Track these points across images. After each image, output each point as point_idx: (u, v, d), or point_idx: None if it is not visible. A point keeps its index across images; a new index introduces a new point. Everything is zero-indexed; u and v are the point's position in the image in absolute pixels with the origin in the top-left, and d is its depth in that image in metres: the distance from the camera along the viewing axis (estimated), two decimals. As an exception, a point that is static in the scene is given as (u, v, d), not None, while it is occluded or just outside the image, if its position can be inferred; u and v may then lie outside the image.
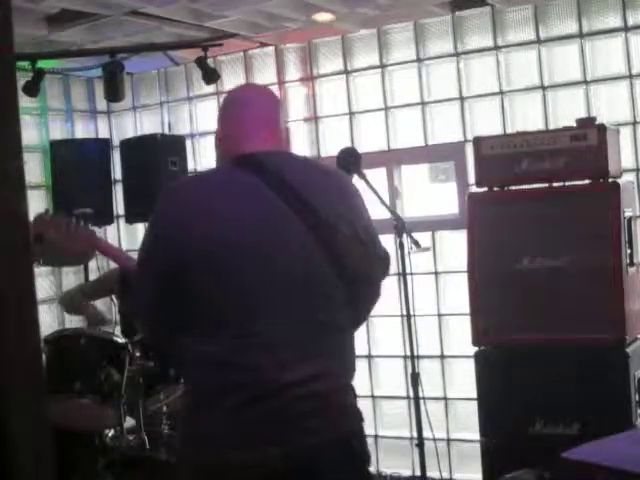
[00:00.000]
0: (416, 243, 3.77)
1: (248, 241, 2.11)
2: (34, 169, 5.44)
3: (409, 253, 3.80)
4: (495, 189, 4.08)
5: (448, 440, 4.92)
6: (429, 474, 4.21)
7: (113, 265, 4.84)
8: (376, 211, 3.99)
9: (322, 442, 2.09)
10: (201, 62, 4.91)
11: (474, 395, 4.12)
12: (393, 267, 4.77)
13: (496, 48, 4.78)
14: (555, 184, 3.94)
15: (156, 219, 2.24)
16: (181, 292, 2.13)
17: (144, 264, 2.23)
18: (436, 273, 4.99)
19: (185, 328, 2.16)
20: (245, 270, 2.10)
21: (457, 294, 4.68)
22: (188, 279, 2.12)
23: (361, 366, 4.72)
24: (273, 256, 2.11)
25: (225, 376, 2.09)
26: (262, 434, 2.07)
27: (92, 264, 5.54)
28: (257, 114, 2.28)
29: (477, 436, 4.09)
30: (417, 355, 4.00)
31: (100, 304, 4.56)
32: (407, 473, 5.00)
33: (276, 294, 2.11)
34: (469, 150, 4.57)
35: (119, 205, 5.65)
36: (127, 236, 5.99)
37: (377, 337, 5.20)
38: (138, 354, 3.66)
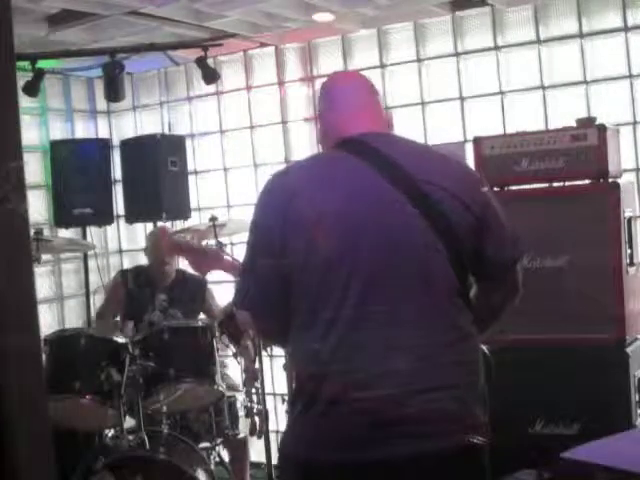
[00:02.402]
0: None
1: (354, 223, 2.00)
2: (34, 169, 5.44)
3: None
4: (495, 189, 4.07)
5: (448, 440, 4.91)
6: (429, 474, 4.20)
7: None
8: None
9: (424, 451, 1.93)
10: (201, 62, 4.91)
11: (474, 395, 4.11)
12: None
13: (496, 48, 4.78)
14: (555, 184, 3.94)
15: (259, 214, 2.13)
16: (292, 283, 2.04)
17: (252, 262, 2.12)
18: (436, 273, 4.98)
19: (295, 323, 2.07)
20: (353, 253, 1.99)
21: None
22: (296, 268, 2.02)
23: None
24: (381, 237, 1.99)
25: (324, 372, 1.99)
26: (347, 437, 1.96)
27: (92, 264, 5.55)
28: (356, 97, 2.20)
29: (477, 436, 4.09)
30: (417, 355, 4.00)
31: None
32: (407, 473, 4.99)
33: (384, 277, 1.99)
34: (469, 150, 4.57)
35: (119, 205, 5.65)
36: (127, 236, 6.00)
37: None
38: (138, 354, 3.66)
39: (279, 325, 2.12)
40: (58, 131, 5.72)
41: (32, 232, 4.06)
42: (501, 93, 4.79)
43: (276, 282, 2.06)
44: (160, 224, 5.15)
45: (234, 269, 2.66)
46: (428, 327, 2.01)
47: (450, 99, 4.94)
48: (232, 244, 4.63)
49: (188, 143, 5.52)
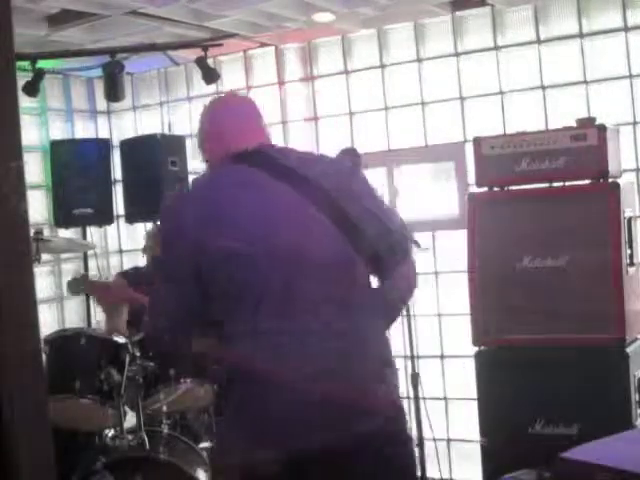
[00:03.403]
0: (416, 243, 3.76)
1: (264, 234, 2.11)
2: (34, 169, 5.44)
3: (409, 253, 3.79)
4: (495, 189, 4.08)
5: (448, 440, 4.92)
6: (429, 474, 4.22)
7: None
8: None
9: (342, 441, 2.04)
10: (201, 62, 4.91)
11: (474, 395, 4.12)
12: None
13: (496, 48, 4.78)
14: (555, 184, 3.94)
15: (169, 234, 2.25)
16: (207, 293, 2.14)
17: (165, 277, 2.24)
18: (436, 273, 4.99)
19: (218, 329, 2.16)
20: (266, 261, 2.09)
21: (457, 294, 4.68)
22: (214, 281, 2.12)
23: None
24: (292, 240, 2.11)
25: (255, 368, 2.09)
26: (286, 429, 2.05)
27: (92, 264, 5.55)
28: (243, 112, 2.35)
29: (477, 436, 4.09)
30: (417, 355, 4.01)
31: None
32: (407, 473, 5.00)
33: (300, 278, 2.10)
34: (469, 150, 4.57)
35: (119, 205, 5.65)
36: (127, 236, 6.00)
37: (377, 337, 5.20)
38: (138, 354, 3.66)
39: (191, 334, 2.28)
40: (58, 131, 5.72)
41: (32, 232, 4.06)
42: (501, 93, 4.79)
43: (194, 294, 2.16)
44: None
45: (141, 298, 2.81)
46: (348, 326, 2.13)
47: (450, 99, 4.94)
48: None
49: (188, 143, 5.52)
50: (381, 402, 2.14)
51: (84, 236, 5.43)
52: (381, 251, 2.22)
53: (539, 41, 4.67)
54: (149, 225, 5.55)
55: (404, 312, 4.20)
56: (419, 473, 4.33)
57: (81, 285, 3.31)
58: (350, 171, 2.36)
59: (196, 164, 5.72)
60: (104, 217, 5.37)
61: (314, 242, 2.13)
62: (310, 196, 2.14)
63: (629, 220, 3.87)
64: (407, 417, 2.26)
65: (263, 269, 2.09)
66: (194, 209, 2.18)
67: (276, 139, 5.76)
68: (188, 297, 2.18)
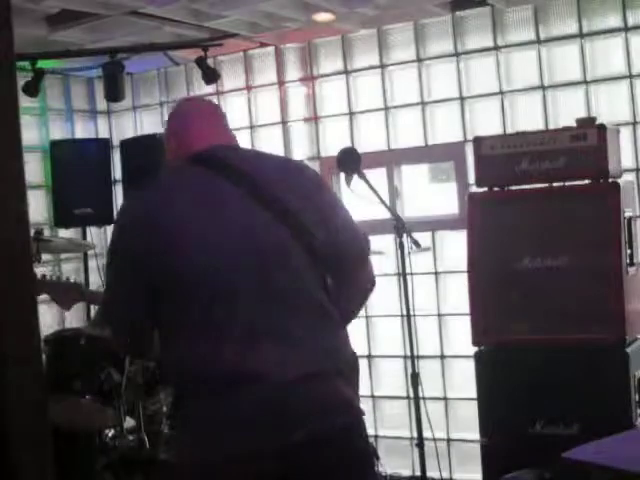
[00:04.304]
0: (416, 243, 3.77)
1: (212, 238, 2.12)
2: (34, 169, 5.44)
3: (409, 253, 3.80)
4: (495, 189, 4.08)
5: (448, 440, 4.92)
6: (429, 474, 4.21)
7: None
8: (376, 211, 4.02)
9: (303, 438, 2.04)
10: (201, 62, 4.91)
11: (474, 395, 4.12)
12: (393, 267, 4.83)
13: (496, 48, 4.78)
14: (555, 184, 3.94)
15: (121, 234, 2.25)
16: (158, 295, 2.15)
17: (119, 274, 2.25)
18: (436, 273, 4.99)
19: (166, 330, 2.18)
20: (218, 260, 2.10)
21: (457, 294, 4.68)
22: (164, 284, 2.14)
23: (361, 366, 4.72)
24: (241, 243, 2.12)
25: (205, 368, 2.10)
26: (234, 433, 2.06)
27: (92, 264, 5.55)
28: (203, 116, 2.38)
29: (477, 436, 4.09)
30: (417, 355, 4.00)
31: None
32: (407, 473, 5.00)
33: (249, 281, 2.10)
34: (469, 150, 4.57)
35: (119, 205, 5.64)
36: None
37: (377, 337, 5.20)
38: (138, 354, 3.66)
39: (142, 338, 2.26)
40: (58, 131, 5.72)
41: (32, 232, 4.05)
42: (501, 93, 4.79)
43: (141, 298, 2.17)
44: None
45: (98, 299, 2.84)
46: (303, 322, 2.14)
47: (450, 99, 4.94)
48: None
49: (188, 143, 5.51)
50: (335, 402, 2.14)
51: (84, 236, 5.43)
52: (334, 253, 2.22)
53: (539, 41, 4.67)
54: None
55: (404, 312, 4.20)
56: (419, 473, 4.33)
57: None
58: (300, 170, 2.36)
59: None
60: (104, 217, 5.36)
61: (261, 242, 2.13)
62: (257, 197, 2.15)
63: (629, 220, 3.87)
64: (362, 420, 2.25)
65: (211, 272, 2.10)
66: (145, 212, 2.19)
67: (276, 139, 5.78)
68: (133, 299, 2.19)
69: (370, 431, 4.90)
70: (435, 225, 4.96)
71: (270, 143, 5.43)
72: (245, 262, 2.11)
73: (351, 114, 5.24)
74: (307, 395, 2.08)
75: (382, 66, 5.12)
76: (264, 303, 2.11)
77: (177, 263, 2.11)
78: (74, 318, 5.56)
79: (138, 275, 2.16)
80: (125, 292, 2.21)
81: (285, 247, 2.15)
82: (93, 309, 5.16)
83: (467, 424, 4.68)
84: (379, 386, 5.19)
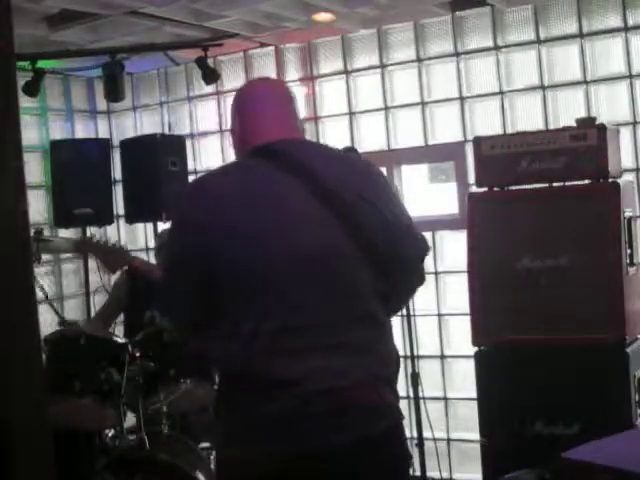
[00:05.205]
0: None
1: (270, 232, 2.07)
2: (34, 169, 5.44)
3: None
4: (495, 189, 4.08)
5: (448, 440, 4.92)
6: (429, 474, 4.22)
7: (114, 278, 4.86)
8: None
9: (343, 442, 2.02)
10: (201, 62, 4.91)
11: (474, 395, 4.12)
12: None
13: (496, 48, 4.78)
14: (555, 184, 3.94)
15: (179, 223, 2.21)
16: (211, 289, 2.11)
17: (172, 270, 2.22)
18: (436, 273, 4.99)
19: (211, 325, 2.14)
20: (271, 260, 2.06)
21: (457, 294, 4.68)
22: (218, 276, 2.09)
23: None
24: (298, 243, 2.07)
25: (242, 372, 2.07)
26: (276, 432, 2.04)
27: (92, 264, 5.54)
28: (270, 105, 2.27)
29: (477, 436, 4.09)
30: (417, 355, 4.01)
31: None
32: (407, 473, 5.00)
33: (301, 282, 2.06)
34: (469, 150, 4.57)
35: (119, 205, 5.65)
36: (127, 236, 5.99)
37: (377, 337, 5.20)
38: (138, 354, 3.66)
39: (192, 329, 2.24)
40: (58, 131, 5.72)
41: (32, 232, 4.06)
42: (501, 93, 4.79)
43: (198, 289, 2.13)
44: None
45: (144, 267, 2.80)
46: (354, 327, 2.10)
47: (450, 99, 4.94)
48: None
49: (188, 143, 5.52)
50: (376, 406, 2.11)
51: (84, 236, 5.43)
52: (394, 255, 2.18)
53: (539, 41, 4.67)
54: (149, 225, 5.55)
55: (404, 312, 4.21)
56: (418, 473, 4.33)
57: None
58: (375, 173, 2.29)
59: (196, 164, 5.72)
60: (104, 217, 5.36)
61: (320, 245, 2.09)
62: (320, 197, 2.09)
63: (629, 220, 3.87)
64: (404, 429, 2.24)
65: (266, 272, 2.06)
66: (202, 207, 2.12)
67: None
68: (189, 292, 2.16)
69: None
70: (435, 225, 4.96)
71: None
72: (296, 261, 2.06)
73: (351, 114, 5.24)
74: (348, 401, 2.05)
75: (382, 66, 5.12)
76: (314, 308, 2.07)
77: (228, 261, 2.07)
78: (74, 318, 5.56)
79: (191, 273, 2.13)
80: (182, 289, 2.18)
81: (340, 247, 2.10)
82: (93, 307, 5.16)
83: (467, 424, 4.69)
84: (379, 386, 5.18)
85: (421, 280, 2.34)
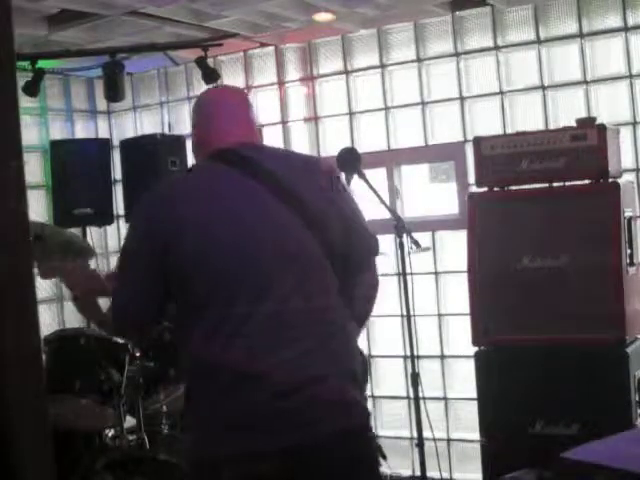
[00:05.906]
0: (416, 243, 3.77)
1: (233, 233, 2.12)
2: (34, 169, 5.44)
3: (409, 253, 3.80)
4: (495, 189, 4.08)
5: (448, 440, 4.92)
6: (429, 474, 4.21)
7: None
8: (376, 211, 4.02)
9: (310, 439, 2.05)
10: (201, 62, 4.91)
11: (474, 395, 4.12)
12: (393, 267, 4.82)
13: (496, 48, 4.78)
14: (555, 184, 3.94)
15: (140, 224, 2.24)
16: (173, 283, 2.16)
17: (129, 266, 2.25)
18: (436, 273, 4.99)
19: (181, 322, 2.19)
20: (232, 260, 2.10)
21: (457, 294, 4.68)
22: (179, 276, 2.14)
23: (361, 366, 4.72)
24: (260, 237, 2.12)
25: (206, 363, 2.10)
26: (244, 430, 2.06)
27: (92, 264, 5.54)
28: (229, 110, 2.32)
29: (477, 436, 4.09)
30: (417, 355, 4.01)
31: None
32: (407, 473, 5.00)
33: (264, 279, 2.11)
34: (469, 150, 4.57)
35: (119, 205, 5.64)
36: (127, 236, 5.99)
37: (377, 337, 5.20)
38: (138, 354, 3.66)
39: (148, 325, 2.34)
40: (58, 131, 5.72)
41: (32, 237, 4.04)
42: (501, 93, 4.79)
43: (157, 285, 2.17)
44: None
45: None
46: (317, 323, 2.14)
47: (450, 99, 4.94)
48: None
49: (188, 143, 5.51)
50: (344, 402, 2.14)
51: (84, 236, 5.43)
52: (349, 253, 2.23)
53: (539, 41, 4.67)
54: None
55: (404, 312, 4.20)
56: (419, 473, 4.33)
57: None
58: (322, 170, 2.33)
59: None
60: (104, 217, 5.36)
61: (281, 240, 2.14)
62: (280, 196, 2.15)
63: (629, 220, 3.87)
64: (369, 422, 2.28)
65: (231, 268, 2.10)
66: (167, 208, 2.17)
67: (276, 139, 5.78)
68: (147, 288, 2.19)
69: (370, 431, 4.90)
70: (435, 225, 4.96)
71: (270, 143, 5.43)
72: (263, 261, 2.11)
73: (351, 114, 5.24)
74: (313, 397, 2.08)
75: (382, 66, 5.12)
76: (278, 303, 2.10)
77: (193, 262, 2.11)
78: (74, 318, 5.56)
79: (155, 273, 2.15)
80: (141, 287, 2.20)
81: (306, 246, 2.15)
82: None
83: (467, 424, 4.69)
84: (379, 386, 5.19)
85: (373, 284, 2.38)
